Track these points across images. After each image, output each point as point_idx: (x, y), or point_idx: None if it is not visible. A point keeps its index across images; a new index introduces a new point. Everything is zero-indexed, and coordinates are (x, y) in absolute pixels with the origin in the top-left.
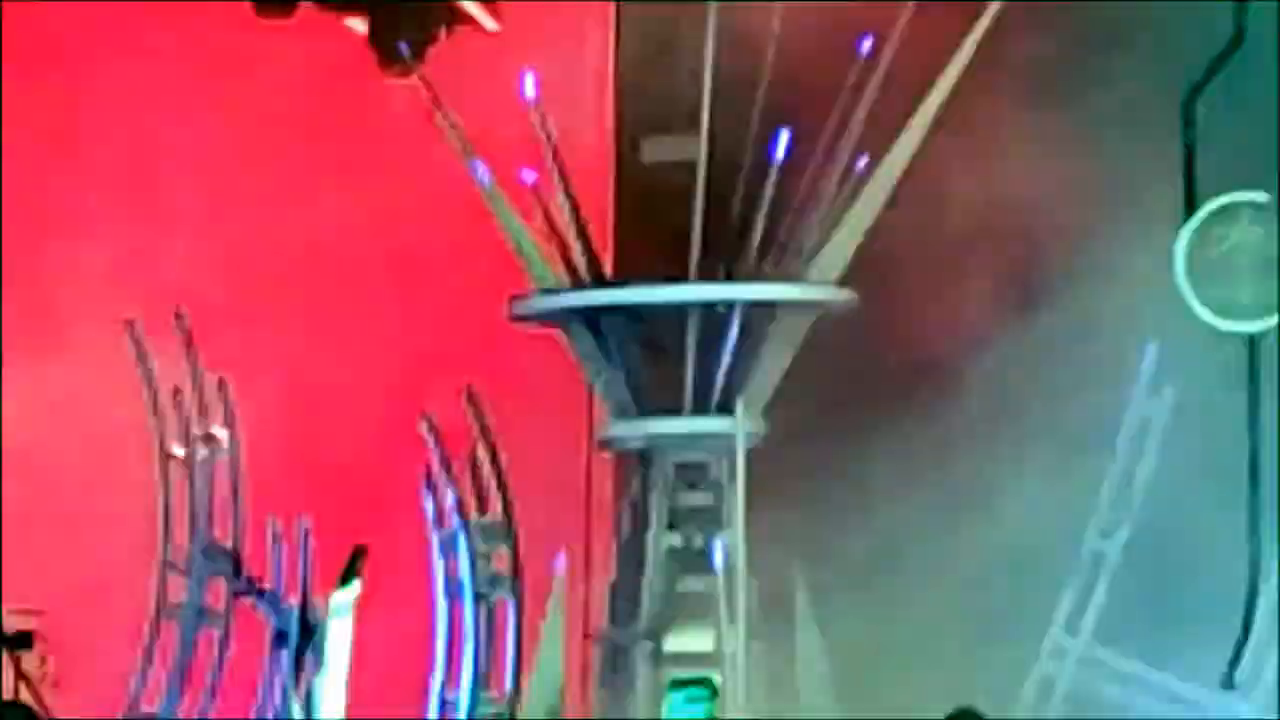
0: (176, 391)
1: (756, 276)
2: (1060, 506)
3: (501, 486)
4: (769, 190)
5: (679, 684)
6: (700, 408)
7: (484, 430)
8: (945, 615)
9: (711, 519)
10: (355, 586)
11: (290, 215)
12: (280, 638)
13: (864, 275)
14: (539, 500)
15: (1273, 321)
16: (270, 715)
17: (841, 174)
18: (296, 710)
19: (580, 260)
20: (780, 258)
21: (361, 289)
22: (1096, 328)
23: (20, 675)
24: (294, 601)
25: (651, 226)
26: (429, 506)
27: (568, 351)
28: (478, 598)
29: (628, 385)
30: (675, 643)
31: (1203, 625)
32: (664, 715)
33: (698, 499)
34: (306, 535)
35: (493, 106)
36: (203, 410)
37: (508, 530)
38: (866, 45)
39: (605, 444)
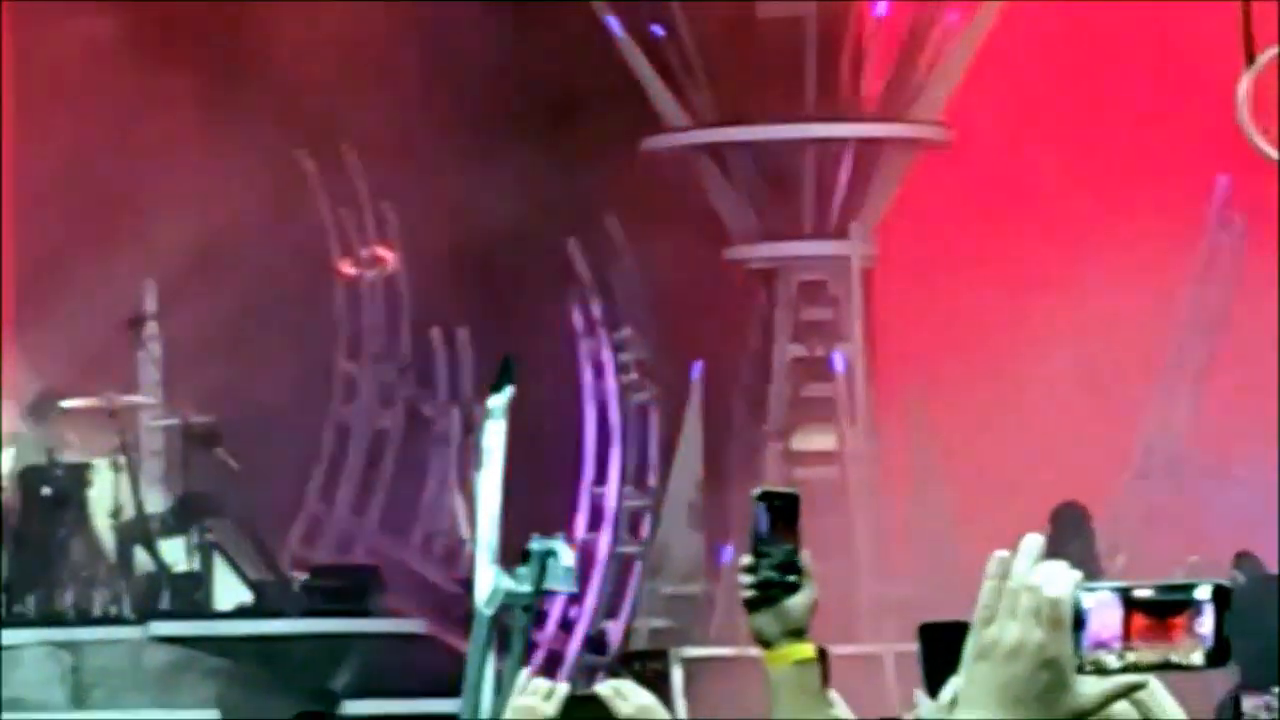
0: (347, 218)
1: (864, 116)
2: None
3: (640, 301)
4: (872, 42)
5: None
6: (819, 232)
7: (624, 251)
8: (1036, 419)
9: (831, 331)
10: (508, 391)
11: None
12: (443, 438)
13: None
14: (676, 316)
15: None
16: (434, 509)
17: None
18: (459, 502)
19: (706, 101)
20: (887, 98)
21: (512, 130)
22: None
23: (209, 468)
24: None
25: (768, 75)
26: (578, 320)
27: (699, 182)
28: (622, 403)
29: (754, 213)
30: (801, 442)
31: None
32: None
33: (818, 313)
34: (465, 346)
35: None
36: (371, 236)
37: (647, 341)
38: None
39: (735, 265)
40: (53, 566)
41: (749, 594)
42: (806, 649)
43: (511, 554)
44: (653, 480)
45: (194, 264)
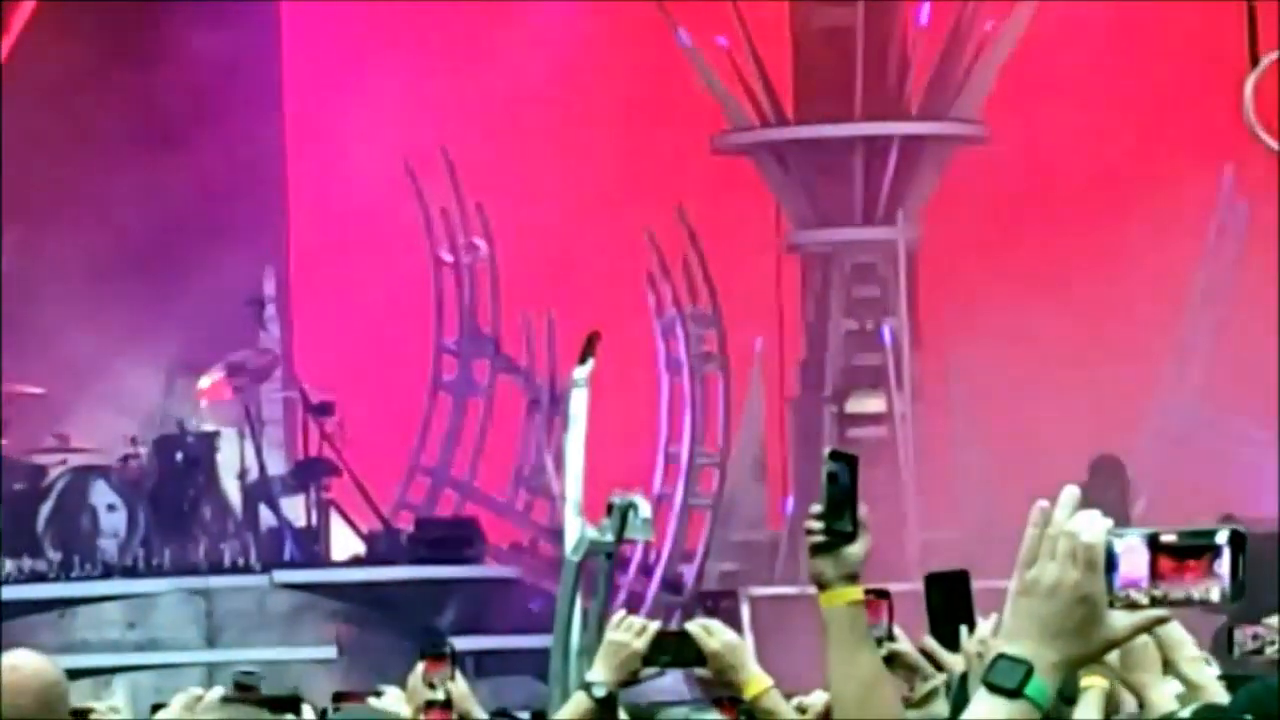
0: (444, 211)
1: (909, 115)
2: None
3: (708, 282)
4: (916, 48)
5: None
6: (869, 219)
7: (694, 237)
8: (1069, 381)
9: (880, 307)
10: (590, 364)
11: (532, 76)
12: (533, 405)
13: None
14: (741, 293)
15: None
16: (526, 468)
17: (975, 31)
18: (548, 462)
19: (765, 104)
20: (929, 97)
21: (593, 130)
22: None
23: (324, 435)
24: (543, 376)
25: (822, 76)
26: (651, 299)
27: (760, 175)
28: (692, 372)
29: (810, 203)
30: (854, 405)
31: None
32: None
33: (869, 291)
34: (552, 324)
35: None
36: (466, 226)
37: (715, 317)
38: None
39: (793, 249)
40: (186, 523)
41: (815, 540)
42: (857, 592)
43: (595, 507)
44: (720, 440)
45: (311, 253)
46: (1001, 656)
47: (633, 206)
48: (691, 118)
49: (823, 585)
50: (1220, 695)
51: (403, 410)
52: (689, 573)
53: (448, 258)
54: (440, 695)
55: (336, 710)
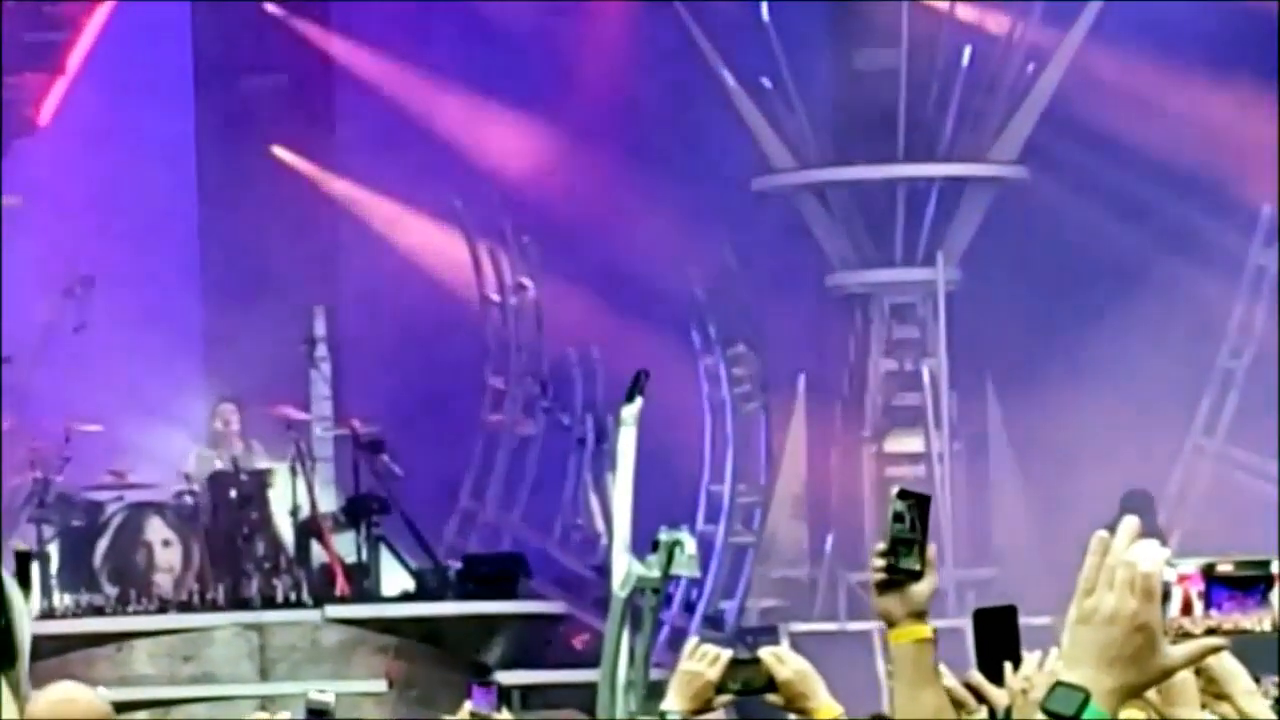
0: (493, 251)
1: (950, 157)
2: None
3: (751, 322)
4: (957, 91)
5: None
6: (908, 260)
7: (736, 277)
8: (1102, 421)
9: (919, 348)
10: (638, 402)
11: (578, 117)
12: (581, 443)
13: None
14: (782, 333)
15: None
16: (574, 501)
17: (1015, 75)
18: (594, 496)
19: (808, 145)
20: (970, 140)
21: (638, 171)
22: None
23: (374, 472)
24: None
25: (865, 120)
26: (697, 339)
27: (802, 216)
28: (734, 411)
29: (852, 244)
30: (893, 444)
31: None
32: None
33: (908, 332)
34: (597, 362)
35: (732, 24)
36: (514, 266)
37: (756, 357)
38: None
39: (834, 289)
40: (240, 558)
41: (880, 577)
42: (925, 629)
43: (641, 543)
44: (762, 479)
45: (362, 294)
46: (1059, 683)
47: (677, 247)
48: (735, 158)
49: (891, 623)
50: None
51: (452, 447)
52: (730, 609)
53: (496, 298)
54: None
55: None
